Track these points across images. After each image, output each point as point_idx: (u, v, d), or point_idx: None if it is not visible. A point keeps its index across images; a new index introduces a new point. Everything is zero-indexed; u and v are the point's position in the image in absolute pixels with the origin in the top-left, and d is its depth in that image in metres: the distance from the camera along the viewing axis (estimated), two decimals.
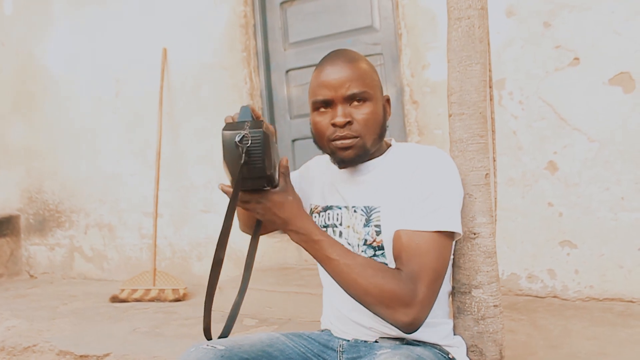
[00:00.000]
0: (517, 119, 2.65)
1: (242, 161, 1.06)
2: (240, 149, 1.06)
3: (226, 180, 1.16)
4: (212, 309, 1.25)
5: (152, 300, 3.33)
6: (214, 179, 3.60)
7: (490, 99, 1.48)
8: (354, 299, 1.16)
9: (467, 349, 1.40)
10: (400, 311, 1.11)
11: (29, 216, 4.61)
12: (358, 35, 3.17)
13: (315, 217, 1.40)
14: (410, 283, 1.12)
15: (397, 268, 1.18)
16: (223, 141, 1.09)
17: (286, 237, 1.53)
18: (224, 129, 1.10)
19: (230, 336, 1.34)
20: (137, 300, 3.34)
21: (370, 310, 1.15)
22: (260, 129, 1.09)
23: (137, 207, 3.98)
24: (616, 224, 2.47)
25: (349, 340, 1.34)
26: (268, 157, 1.10)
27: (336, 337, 1.37)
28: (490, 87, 1.47)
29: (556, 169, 2.58)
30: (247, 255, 1.32)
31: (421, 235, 1.17)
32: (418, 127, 2.89)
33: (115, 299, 3.36)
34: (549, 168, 2.60)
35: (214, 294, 1.23)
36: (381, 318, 1.15)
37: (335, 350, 1.35)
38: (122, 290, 3.42)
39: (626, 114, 2.44)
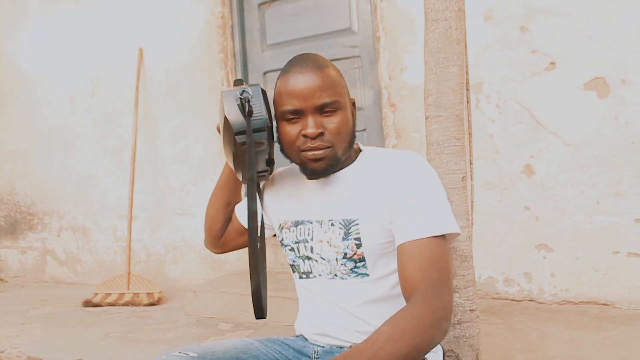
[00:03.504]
0: (494, 122, 2.66)
1: (247, 110, 1.16)
2: (243, 100, 1.16)
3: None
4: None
5: (126, 304, 3.27)
6: (190, 181, 3.55)
7: (467, 102, 1.47)
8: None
9: (444, 354, 1.39)
10: (441, 330, 1.05)
11: None
12: (336, 37, 3.15)
13: (285, 232, 1.35)
14: (434, 297, 1.07)
15: (406, 287, 1.11)
16: (224, 99, 1.19)
17: None
18: (223, 90, 1.20)
19: (203, 342, 1.30)
20: (110, 304, 3.27)
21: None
22: (258, 85, 1.20)
23: (112, 209, 3.90)
24: (591, 227, 2.49)
25: (323, 347, 1.31)
26: (268, 109, 1.20)
27: (311, 344, 1.35)
28: (467, 89, 1.46)
29: (533, 172, 2.59)
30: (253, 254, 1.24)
31: (428, 242, 1.12)
32: (396, 130, 2.88)
33: (88, 304, 3.29)
34: (525, 172, 2.61)
35: (258, 263, 1.21)
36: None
37: (309, 357, 1.33)
38: (95, 294, 3.34)
39: (601, 118, 2.47)
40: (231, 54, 3.45)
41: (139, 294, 3.30)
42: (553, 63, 2.55)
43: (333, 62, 1.29)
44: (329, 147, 1.20)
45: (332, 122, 1.20)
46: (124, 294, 3.32)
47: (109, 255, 3.95)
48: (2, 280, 4.50)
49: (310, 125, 1.19)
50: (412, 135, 2.84)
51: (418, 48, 2.79)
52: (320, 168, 1.22)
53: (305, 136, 1.20)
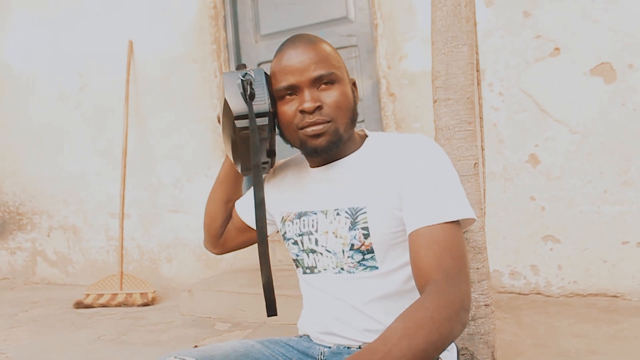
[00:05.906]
0: (498, 110, 2.57)
1: (248, 93, 1.10)
2: (244, 83, 1.11)
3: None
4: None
5: (119, 305, 3.16)
6: (182, 177, 3.45)
7: (478, 83, 1.38)
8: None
9: (458, 352, 1.30)
10: (460, 322, 0.96)
11: None
12: (332, 26, 3.05)
13: (288, 225, 1.27)
14: (450, 286, 0.98)
15: (420, 278, 1.03)
16: (224, 81, 1.13)
17: None
18: (225, 73, 1.15)
19: (199, 344, 1.21)
20: (103, 305, 3.17)
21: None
22: (261, 69, 1.15)
23: (104, 208, 3.79)
24: (599, 217, 2.41)
25: (330, 347, 1.22)
26: (271, 95, 1.14)
27: (316, 344, 1.26)
28: (477, 70, 1.37)
29: (538, 162, 2.51)
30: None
31: (442, 228, 1.04)
32: (395, 120, 2.79)
33: (79, 305, 3.18)
34: (530, 161, 2.53)
35: (268, 253, 1.19)
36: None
37: (315, 359, 1.24)
38: (87, 295, 3.24)
39: (607, 105, 2.39)
40: (224, 44, 3.34)
41: (132, 294, 3.19)
42: (557, 48, 2.46)
43: None
44: (328, 122, 1.12)
45: (330, 96, 1.12)
46: (116, 294, 3.22)
47: (101, 255, 3.84)
48: None
49: (307, 99, 1.11)
50: (413, 125, 2.75)
51: (418, 35, 2.70)
52: (321, 145, 1.13)
53: (302, 112, 1.12)
